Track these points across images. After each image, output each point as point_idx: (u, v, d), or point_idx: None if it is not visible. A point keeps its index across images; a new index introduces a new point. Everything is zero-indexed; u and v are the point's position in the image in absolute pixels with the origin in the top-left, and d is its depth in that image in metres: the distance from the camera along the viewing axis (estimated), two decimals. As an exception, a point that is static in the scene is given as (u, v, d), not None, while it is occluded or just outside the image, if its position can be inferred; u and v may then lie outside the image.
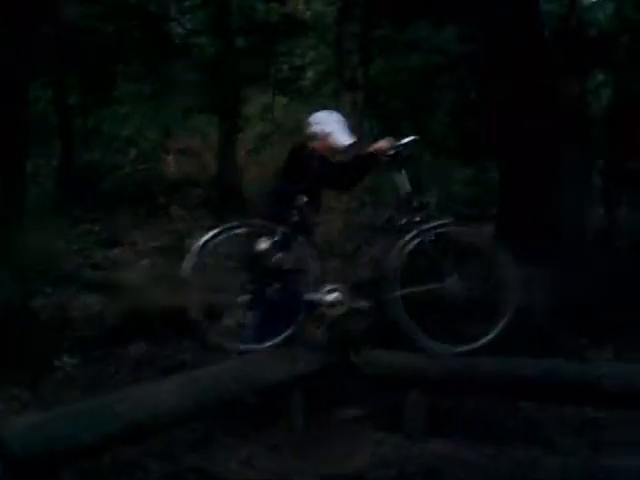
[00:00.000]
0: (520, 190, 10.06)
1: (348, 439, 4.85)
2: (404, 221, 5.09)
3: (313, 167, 5.22)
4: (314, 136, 5.39)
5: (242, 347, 5.14)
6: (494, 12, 7.72)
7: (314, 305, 5.13)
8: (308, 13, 14.41)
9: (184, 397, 4.33)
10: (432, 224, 5.06)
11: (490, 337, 4.97)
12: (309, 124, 5.43)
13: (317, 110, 5.58)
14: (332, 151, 5.41)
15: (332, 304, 5.13)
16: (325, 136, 5.35)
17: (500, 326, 4.98)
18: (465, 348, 5.00)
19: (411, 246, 5.01)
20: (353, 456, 4.62)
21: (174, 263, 8.82)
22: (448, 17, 8.58)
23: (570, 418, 5.18)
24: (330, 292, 5.13)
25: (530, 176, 9.64)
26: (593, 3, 10.83)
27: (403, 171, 5.10)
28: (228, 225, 5.07)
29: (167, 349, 6.26)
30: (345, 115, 5.65)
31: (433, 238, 5.00)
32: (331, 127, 5.36)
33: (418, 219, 5.04)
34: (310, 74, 15.85)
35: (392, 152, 5.12)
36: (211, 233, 5.04)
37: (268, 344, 5.07)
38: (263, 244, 5.03)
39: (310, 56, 15.88)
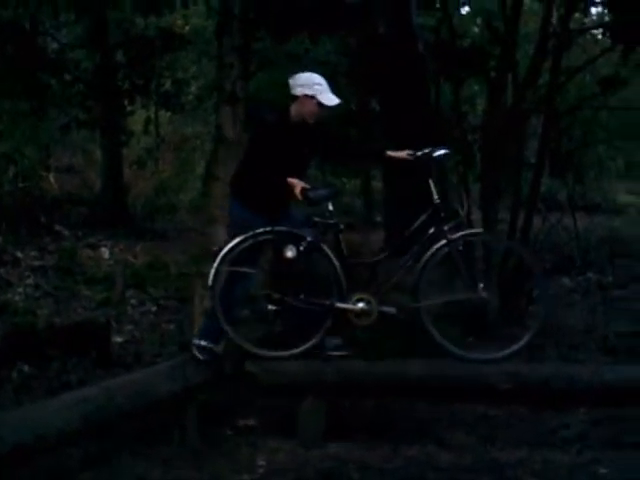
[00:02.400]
0: (404, 197, 10.32)
1: (243, 449, 4.85)
2: (433, 230, 5.05)
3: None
4: (296, 98, 5.16)
5: (270, 354, 5.11)
6: (370, 26, 7.92)
7: (342, 314, 5.08)
8: (187, 27, 14.37)
9: (73, 416, 4.23)
10: (461, 233, 5.08)
11: (522, 344, 5.04)
12: (291, 86, 5.19)
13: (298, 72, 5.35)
14: (316, 113, 5.17)
15: (360, 313, 5.07)
16: (309, 98, 5.11)
17: (530, 334, 5.07)
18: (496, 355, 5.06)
19: (440, 255, 5.00)
20: (248, 466, 4.63)
21: (62, 282, 8.70)
22: (326, 31, 8.71)
23: (462, 415, 5.31)
24: (358, 301, 5.07)
25: (411, 184, 9.89)
26: (465, 15, 11.27)
27: (431, 181, 5.07)
28: (253, 233, 5.00)
29: (52, 370, 6.08)
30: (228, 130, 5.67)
31: (461, 248, 5.01)
32: (314, 89, 5.11)
33: (447, 228, 5.01)
34: (193, 88, 15.82)
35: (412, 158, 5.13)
36: (235, 241, 4.99)
37: (295, 351, 5.08)
38: (289, 252, 4.96)
39: (192, 70, 15.85)
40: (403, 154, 5.23)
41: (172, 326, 7.39)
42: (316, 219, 5.06)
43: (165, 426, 4.90)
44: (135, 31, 12.60)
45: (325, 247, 5.03)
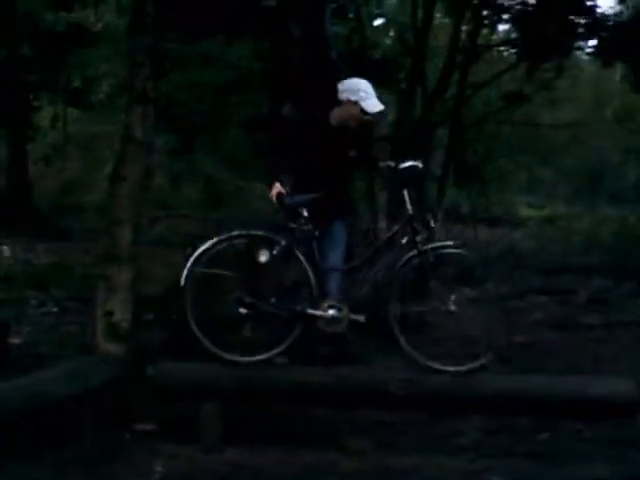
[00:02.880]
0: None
1: (140, 454, 4.79)
2: (406, 240, 5.05)
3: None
4: (342, 103, 5.30)
5: (240, 359, 5.03)
6: (284, 31, 7.95)
7: (312, 320, 5.03)
8: (99, 24, 14.14)
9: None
10: (433, 245, 5.04)
11: (482, 361, 4.98)
12: (338, 91, 5.32)
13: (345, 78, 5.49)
14: (359, 119, 5.29)
15: (330, 320, 5.03)
16: (352, 103, 5.24)
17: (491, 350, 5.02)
18: (460, 368, 4.99)
19: (411, 266, 4.99)
20: (145, 470, 4.58)
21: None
22: (240, 33, 8.71)
23: (360, 422, 5.36)
24: (329, 308, 5.02)
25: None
26: (377, 27, 11.42)
27: (405, 191, 5.06)
28: (227, 235, 4.99)
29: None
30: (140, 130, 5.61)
31: (433, 260, 4.97)
32: (358, 95, 5.24)
33: (419, 239, 4.99)
34: (104, 86, 15.56)
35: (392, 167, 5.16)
36: (209, 243, 4.96)
37: (263, 357, 5.03)
38: (263, 256, 4.94)
39: (103, 68, 15.59)
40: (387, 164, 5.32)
41: (74, 328, 7.23)
42: (291, 225, 5.03)
43: (62, 429, 4.79)
44: (44, 25, 12.31)
45: (298, 253, 5.01)
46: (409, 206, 5.02)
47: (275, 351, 5.01)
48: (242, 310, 4.99)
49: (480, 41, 8.76)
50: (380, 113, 5.30)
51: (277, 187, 5.14)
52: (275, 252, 4.95)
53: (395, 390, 4.97)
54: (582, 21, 8.32)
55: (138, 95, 5.77)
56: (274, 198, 5.14)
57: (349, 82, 5.38)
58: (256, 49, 11.58)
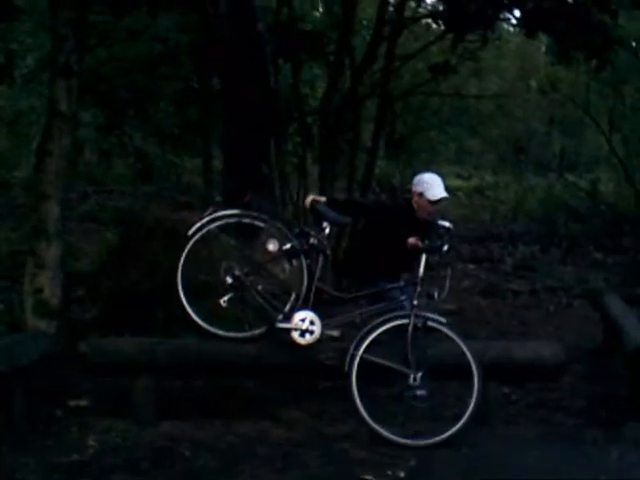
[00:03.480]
0: (242, 177, 10.39)
1: (73, 429, 4.78)
2: (404, 297, 5.03)
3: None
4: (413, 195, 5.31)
5: (225, 334, 5.04)
6: (211, 4, 7.91)
7: (285, 323, 4.99)
8: (22, -4, 13.76)
9: None
10: (426, 314, 4.93)
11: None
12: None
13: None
14: (425, 208, 5.24)
15: (304, 331, 4.97)
16: (418, 194, 5.24)
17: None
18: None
19: (398, 322, 4.93)
20: (78, 446, 4.57)
21: None
22: (165, 6, 8.62)
23: (294, 392, 5.44)
24: (304, 320, 4.97)
25: (249, 164, 9.96)
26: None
27: (424, 257, 4.97)
28: (248, 212, 5.07)
29: None
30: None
31: (420, 327, 4.88)
32: (423, 186, 5.23)
33: (416, 302, 4.91)
34: (28, 61, 15.18)
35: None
36: (232, 211, 5.06)
37: (250, 333, 5.04)
38: (271, 245, 4.96)
39: (27, 42, 15.20)
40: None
41: (1, 306, 7.13)
42: (309, 231, 5.07)
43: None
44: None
45: (303, 258, 5.02)
46: (421, 270, 4.96)
47: (261, 329, 5.03)
48: (228, 279, 5.00)
49: (407, 13, 8.81)
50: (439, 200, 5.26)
51: (317, 197, 5.25)
52: (285, 248, 4.99)
53: (326, 361, 5.06)
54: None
55: (62, 69, 5.68)
56: (308, 203, 5.19)
57: (419, 176, 5.38)
58: (183, 22, 11.47)
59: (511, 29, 13.48)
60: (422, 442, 4.69)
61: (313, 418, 5.15)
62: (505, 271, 10.21)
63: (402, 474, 4.37)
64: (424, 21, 10.94)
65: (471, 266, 10.30)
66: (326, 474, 4.34)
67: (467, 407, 4.75)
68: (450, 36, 8.22)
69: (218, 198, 12.65)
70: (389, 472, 4.37)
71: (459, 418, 4.75)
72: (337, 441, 4.79)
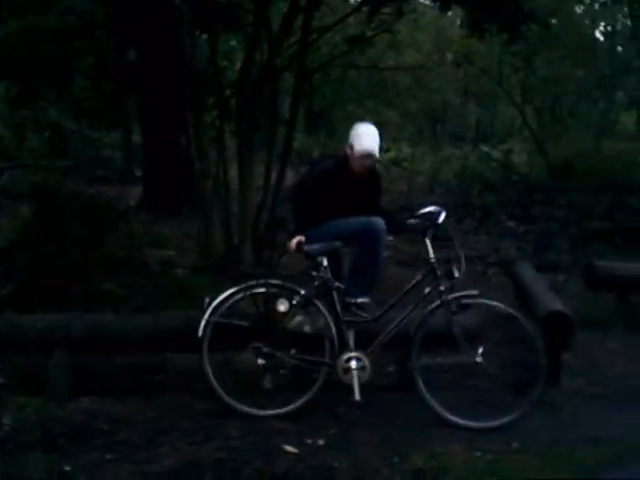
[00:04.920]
0: (161, 151, 10.32)
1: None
2: (428, 290, 4.89)
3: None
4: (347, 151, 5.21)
5: (260, 413, 4.82)
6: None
7: (333, 372, 4.83)
8: None
9: None
10: (456, 294, 4.84)
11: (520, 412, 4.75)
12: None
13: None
14: (356, 161, 5.14)
15: (351, 371, 4.81)
16: (349, 147, 5.16)
17: (531, 399, 4.78)
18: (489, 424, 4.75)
19: (434, 316, 4.83)
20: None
21: None
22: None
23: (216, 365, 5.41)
24: (349, 359, 4.82)
25: (168, 138, 9.90)
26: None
27: (428, 240, 4.90)
28: (246, 284, 4.88)
29: None
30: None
31: (456, 310, 4.79)
32: (353, 138, 5.15)
33: (443, 288, 4.81)
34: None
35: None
36: (227, 293, 4.84)
37: (286, 410, 4.82)
38: (282, 305, 4.82)
39: None
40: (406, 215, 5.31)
41: None
42: (313, 273, 4.91)
43: None
44: None
45: (318, 302, 4.88)
46: (432, 254, 4.88)
47: (297, 404, 4.84)
48: (260, 361, 4.85)
49: (324, -15, 8.81)
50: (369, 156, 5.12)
51: (297, 236, 5.02)
52: (295, 301, 4.87)
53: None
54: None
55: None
56: (293, 246, 5.01)
57: (352, 130, 5.30)
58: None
59: (426, 2, 13.62)
60: None
61: (234, 390, 5.16)
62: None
63: (322, 442, 4.48)
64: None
65: (390, 237, 10.41)
66: (247, 445, 4.42)
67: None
68: (366, 8, 8.25)
69: (138, 172, 12.53)
70: (309, 441, 4.48)
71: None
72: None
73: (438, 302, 4.82)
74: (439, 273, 4.84)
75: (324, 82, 10.93)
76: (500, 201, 12.03)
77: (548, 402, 4.96)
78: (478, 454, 4.35)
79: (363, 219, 5.14)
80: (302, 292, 4.87)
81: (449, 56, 15.38)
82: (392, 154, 15.75)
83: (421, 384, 4.79)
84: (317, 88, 10.67)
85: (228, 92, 7.96)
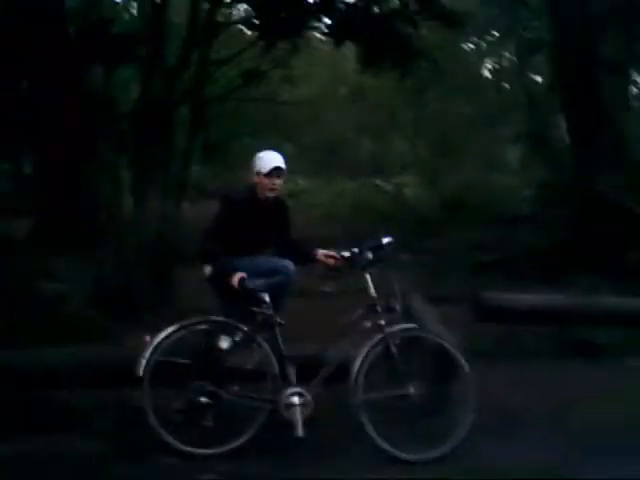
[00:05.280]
0: (53, 183, 10.10)
1: None
2: (370, 324, 4.87)
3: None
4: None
5: (201, 452, 4.68)
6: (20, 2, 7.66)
7: (275, 408, 4.76)
8: None
9: None
10: (397, 327, 4.88)
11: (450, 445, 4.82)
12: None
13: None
14: (263, 184, 5.13)
15: (294, 407, 4.74)
16: (256, 174, 5.15)
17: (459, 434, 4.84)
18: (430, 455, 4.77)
19: (376, 350, 4.81)
20: None
21: None
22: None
23: (108, 401, 5.31)
24: (292, 395, 4.76)
25: (64, 170, 9.71)
26: (117, 2, 11.20)
27: (367, 275, 4.91)
28: (187, 322, 4.78)
29: None
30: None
31: (398, 342, 4.82)
32: (256, 163, 5.15)
33: (383, 322, 4.83)
34: None
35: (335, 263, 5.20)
36: (169, 330, 4.72)
37: (227, 448, 4.70)
38: (224, 342, 4.74)
39: None
40: (331, 255, 5.28)
41: None
42: (254, 309, 4.83)
43: None
44: None
45: (261, 339, 4.83)
46: (372, 290, 4.92)
47: (239, 441, 4.75)
48: (203, 399, 4.74)
49: (220, 19, 8.88)
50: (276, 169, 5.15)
51: (238, 273, 4.90)
52: (237, 338, 4.81)
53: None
54: (313, 1, 8.73)
55: None
56: (236, 284, 4.87)
57: (260, 154, 5.28)
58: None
59: (321, 37, 13.87)
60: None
61: (125, 428, 5.05)
62: (316, 273, 10.44)
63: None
64: (237, 27, 11.09)
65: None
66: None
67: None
68: (262, 43, 8.38)
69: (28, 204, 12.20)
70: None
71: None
72: (150, 451, 4.73)
73: (380, 336, 4.85)
74: (379, 308, 4.89)
75: (220, 115, 10.96)
76: (393, 234, 12.20)
77: (433, 433, 5.08)
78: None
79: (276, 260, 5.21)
80: (244, 328, 4.83)
81: (343, 90, 15.67)
82: (289, 187, 15.84)
83: (365, 419, 4.76)
84: (213, 121, 10.69)
85: (123, 124, 7.93)
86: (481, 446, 4.91)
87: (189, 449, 4.69)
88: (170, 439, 4.69)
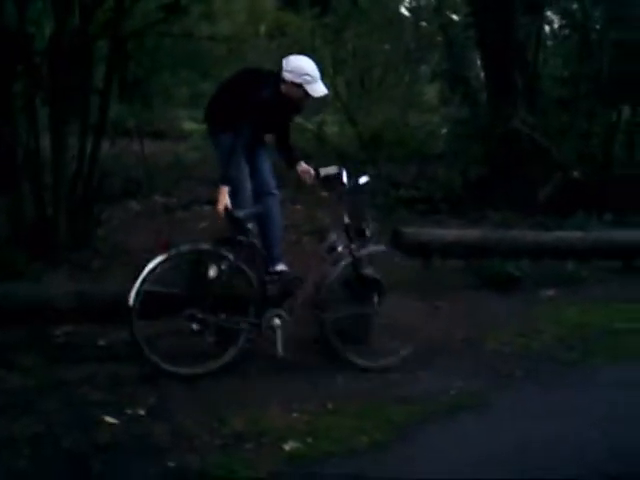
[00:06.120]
0: None
1: None
2: (341, 248, 5.29)
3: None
4: (284, 82, 5.35)
5: (189, 371, 5.00)
6: None
7: (257, 329, 5.13)
8: None
9: None
10: (367, 251, 5.36)
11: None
12: (283, 68, 5.35)
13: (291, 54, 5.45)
14: (302, 100, 5.44)
15: (274, 328, 5.12)
16: (297, 86, 5.32)
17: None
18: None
19: (346, 271, 5.30)
20: None
21: None
22: None
23: (30, 338, 5.36)
24: (272, 317, 5.15)
25: None
26: None
27: (343, 203, 5.32)
28: (175, 251, 4.95)
29: None
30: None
31: (366, 265, 5.34)
32: (302, 79, 5.29)
33: (354, 246, 5.27)
34: None
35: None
36: (158, 260, 4.86)
37: (214, 366, 5.04)
38: (212, 271, 4.98)
39: None
40: (308, 172, 5.67)
41: None
42: (239, 237, 5.05)
43: None
44: None
45: (244, 266, 5.08)
46: (346, 217, 5.29)
47: (224, 361, 5.08)
48: (195, 326, 4.99)
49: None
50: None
51: (225, 197, 5.14)
52: (223, 266, 5.02)
53: (62, 304, 5.09)
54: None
55: None
56: (222, 212, 5.11)
57: (293, 63, 5.40)
58: None
59: (241, -28, 13.66)
60: None
61: (49, 363, 5.14)
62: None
63: (142, 412, 4.56)
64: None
65: (208, 207, 10.48)
66: (65, 418, 4.42)
67: None
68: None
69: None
70: (129, 411, 4.54)
71: None
72: (76, 385, 4.86)
73: (350, 259, 5.31)
74: (351, 234, 5.31)
75: (139, 51, 10.75)
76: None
77: (359, 365, 5.30)
78: (295, 415, 4.58)
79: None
80: (230, 256, 5.05)
81: (263, 27, 15.51)
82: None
83: (333, 335, 5.27)
84: (132, 57, 10.48)
85: (38, 60, 7.70)
86: (405, 376, 5.15)
87: (176, 369, 4.99)
88: (163, 364, 4.96)
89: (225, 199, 5.16)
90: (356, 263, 5.35)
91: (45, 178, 7.24)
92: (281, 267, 5.56)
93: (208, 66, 14.81)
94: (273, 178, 5.78)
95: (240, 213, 5.14)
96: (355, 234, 5.34)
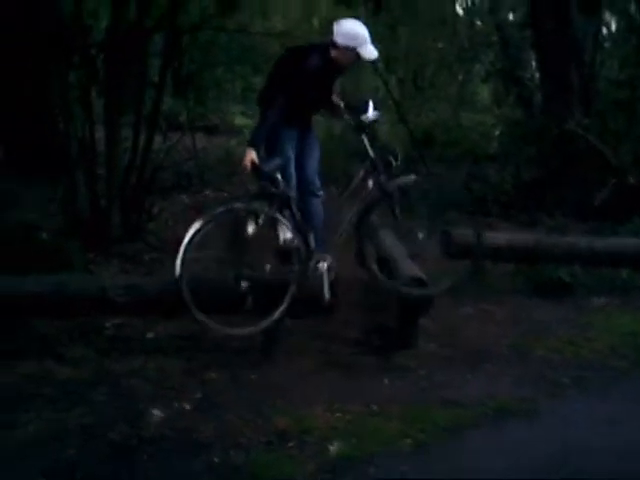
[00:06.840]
0: (21, 111, 9.89)
1: None
2: (372, 183, 5.33)
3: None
4: (335, 45, 5.32)
5: (242, 332, 5.12)
6: None
7: (304, 276, 5.14)
8: None
9: None
10: (397, 182, 5.33)
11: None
12: (334, 33, 5.31)
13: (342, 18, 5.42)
14: (348, 60, 5.40)
15: (320, 272, 5.15)
16: (350, 50, 5.28)
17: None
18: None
19: (378, 206, 5.36)
20: None
21: None
22: None
23: (81, 330, 5.40)
24: (317, 262, 5.18)
25: (31, 96, 9.50)
26: None
27: (364, 136, 5.32)
28: (210, 215, 5.00)
29: None
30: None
31: (397, 195, 5.33)
32: (357, 42, 5.26)
33: (383, 179, 5.28)
34: None
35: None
36: (195, 227, 4.90)
37: (262, 326, 5.09)
38: (249, 228, 5.01)
39: None
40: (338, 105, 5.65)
41: None
42: (272, 190, 5.08)
43: None
44: None
45: (281, 217, 5.12)
46: (370, 150, 5.30)
47: (275, 316, 5.09)
48: (244, 285, 5.04)
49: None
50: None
51: (251, 155, 5.13)
52: (260, 222, 5.07)
53: (113, 296, 5.12)
54: None
55: None
56: (248, 166, 5.13)
57: (346, 26, 5.37)
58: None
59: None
60: None
61: (99, 355, 5.17)
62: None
63: (188, 406, 4.57)
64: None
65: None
66: (113, 410, 4.46)
67: None
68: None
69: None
70: (175, 405, 4.55)
71: None
72: (124, 377, 4.89)
73: (379, 194, 5.31)
74: (379, 167, 5.29)
75: (193, 45, 10.81)
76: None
77: (404, 366, 5.25)
78: (339, 415, 4.55)
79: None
80: (266, 210, 5.09)
81: (316, 23, 15.49)
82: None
83: (375, 266, 5.36)
84: (186, 52, 10.55)
85: (94, 51, 7.78)
86: (452, 379, 5.09)
87: (230, 331, 5.10)
88: (219, 327, 5.06)
89: (251, 156, 5.15)
90: (388, 195, 5.33)
91: (98, 170, 7.29)
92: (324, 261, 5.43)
93: (261, 62, 14.84)
94: (318, 177, 5.73)
95: (266, 166, 5.15)
96: (382, 166, 5.34)
